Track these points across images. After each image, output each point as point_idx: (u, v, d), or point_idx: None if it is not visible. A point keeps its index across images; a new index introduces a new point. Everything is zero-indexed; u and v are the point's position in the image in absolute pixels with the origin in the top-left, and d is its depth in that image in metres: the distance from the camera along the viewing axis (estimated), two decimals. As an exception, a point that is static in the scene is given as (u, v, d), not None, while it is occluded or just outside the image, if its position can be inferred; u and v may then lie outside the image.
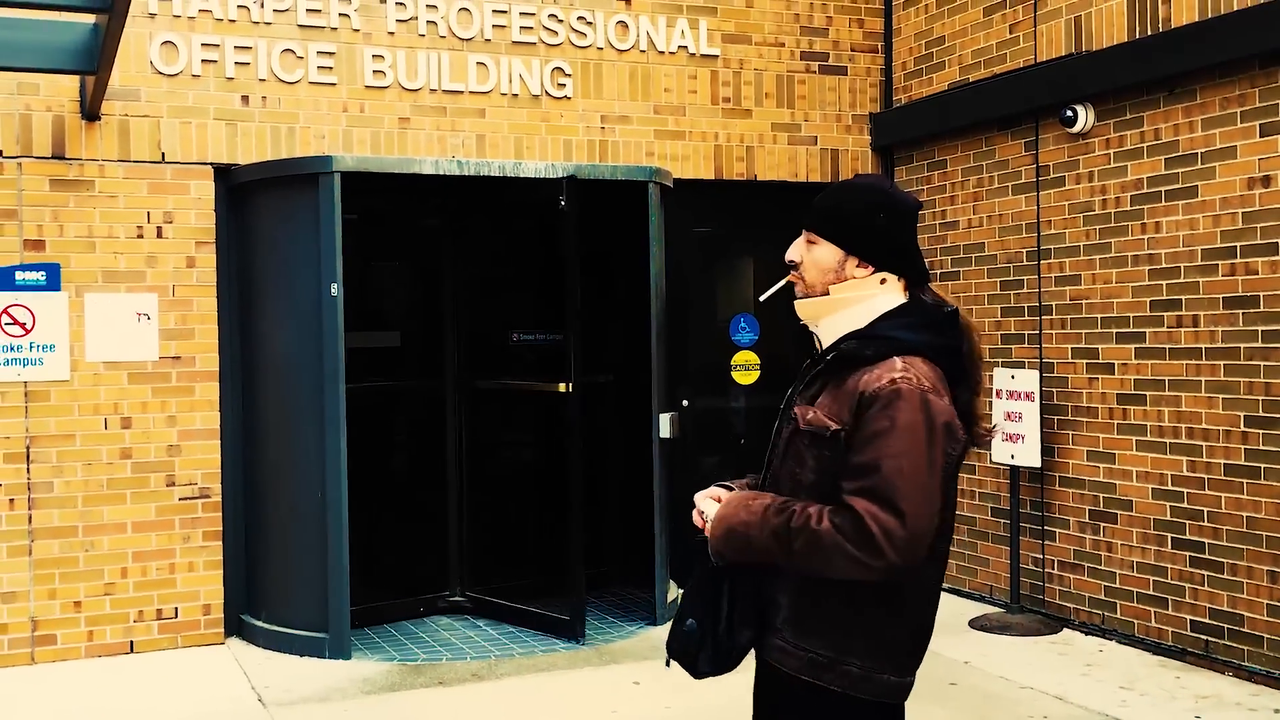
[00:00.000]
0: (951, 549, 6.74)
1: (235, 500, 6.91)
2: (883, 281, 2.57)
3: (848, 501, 2.35)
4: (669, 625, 2.68)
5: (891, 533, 2.31)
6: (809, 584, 2.47)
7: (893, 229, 2.60)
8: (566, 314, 6.73)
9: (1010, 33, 7.34)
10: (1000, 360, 7.34)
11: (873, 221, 2.58)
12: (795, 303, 2.67)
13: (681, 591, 2.72)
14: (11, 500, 6.36)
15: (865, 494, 2.34)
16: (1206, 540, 6.11)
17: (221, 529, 6.80)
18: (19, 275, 6.39)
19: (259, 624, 6.77)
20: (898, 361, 2.44)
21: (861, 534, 2.32)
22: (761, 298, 2.67)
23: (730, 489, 2.67)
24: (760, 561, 2.50)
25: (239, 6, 6.83)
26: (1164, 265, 6.32)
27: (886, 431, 2.36)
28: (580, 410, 6.74)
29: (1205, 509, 6.12)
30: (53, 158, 6.47)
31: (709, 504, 2.63)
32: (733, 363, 8.18)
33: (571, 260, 6.71)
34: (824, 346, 2.60)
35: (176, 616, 6.67)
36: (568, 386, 6.72)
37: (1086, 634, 6.73)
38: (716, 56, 7.92)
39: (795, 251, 2.67)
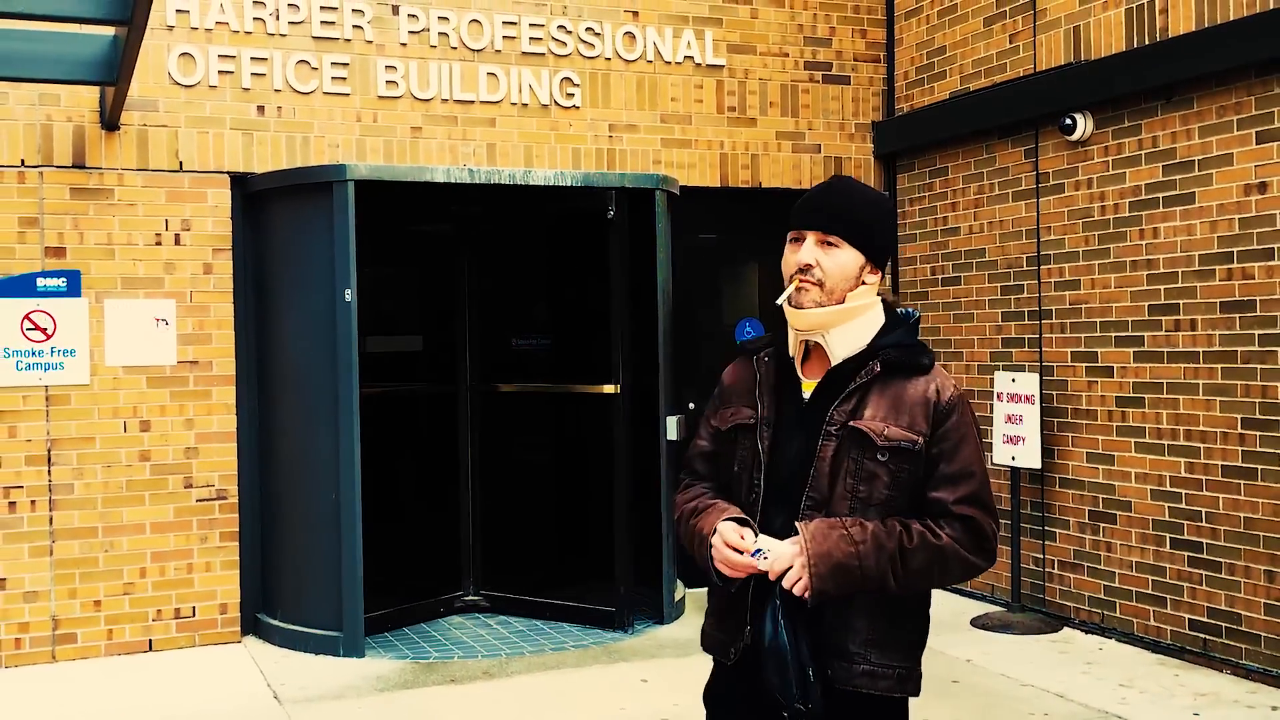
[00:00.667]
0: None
1: (251, 502, 6.92)
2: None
3: (958, 511, 2.41)
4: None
5: (996, 534, 2.49)
6: (887, 603, 2.43)
7: (894, 231, 2.74)
8: (613, 319, 6.87)
9: (1010, 42, 7.34)
10: (1001, 364, 7.34)
11: (888, 227, 2.64)
12: (803, 312, 2.47)
13: (764, 638, 2.49)
14: (33, 502, 6.38)
15: (971, 502, 2.42)
16: (1205, 540, 6.09)
17: (238, 530, 6.81)
18: (40, 282, 6.41)
19: (275, 623, 6.78)
20: (941, 370, 2.51)
21: (978, 540, 2.43)
22: (780, 300, 2.49)
23: (747, 522, 2.45)
24: (859, 590, 2.39)
25: (255, 19, 6.85)
26: (1162, 270, 6.31)
27: (966, 439, 2.44)
28: (629, 410, 6.87)
29: (1203, 509, 6.11)
30: (73, 167, 6.49)
31: (772, 542, 2.39)
32: (738, 366, 8.16)
33: (618, 267, 6.85)
34: (836, 357, 2.48)
35: (194, 615, 6.68)
36: (616, 387, 6.82)
37: (1086, 633, 6.71)
38: (722, 66, 7.92)
39: (810, 254, 2.47)
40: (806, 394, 2.51)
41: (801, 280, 2.46)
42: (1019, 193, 7.27)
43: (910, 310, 2.59)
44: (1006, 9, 7.36)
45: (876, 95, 8.36)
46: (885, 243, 2.60)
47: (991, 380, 7.24)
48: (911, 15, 8.20)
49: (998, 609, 7.22)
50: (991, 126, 7.39)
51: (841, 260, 2.46)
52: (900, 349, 2.47)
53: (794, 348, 2.54)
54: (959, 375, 7.75)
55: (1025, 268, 7.21)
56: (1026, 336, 7.20)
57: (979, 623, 6.95)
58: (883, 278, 2.58)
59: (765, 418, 2.51)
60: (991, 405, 7.17)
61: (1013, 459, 6.97)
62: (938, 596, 7.57)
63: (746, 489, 2.53)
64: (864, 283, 2.49)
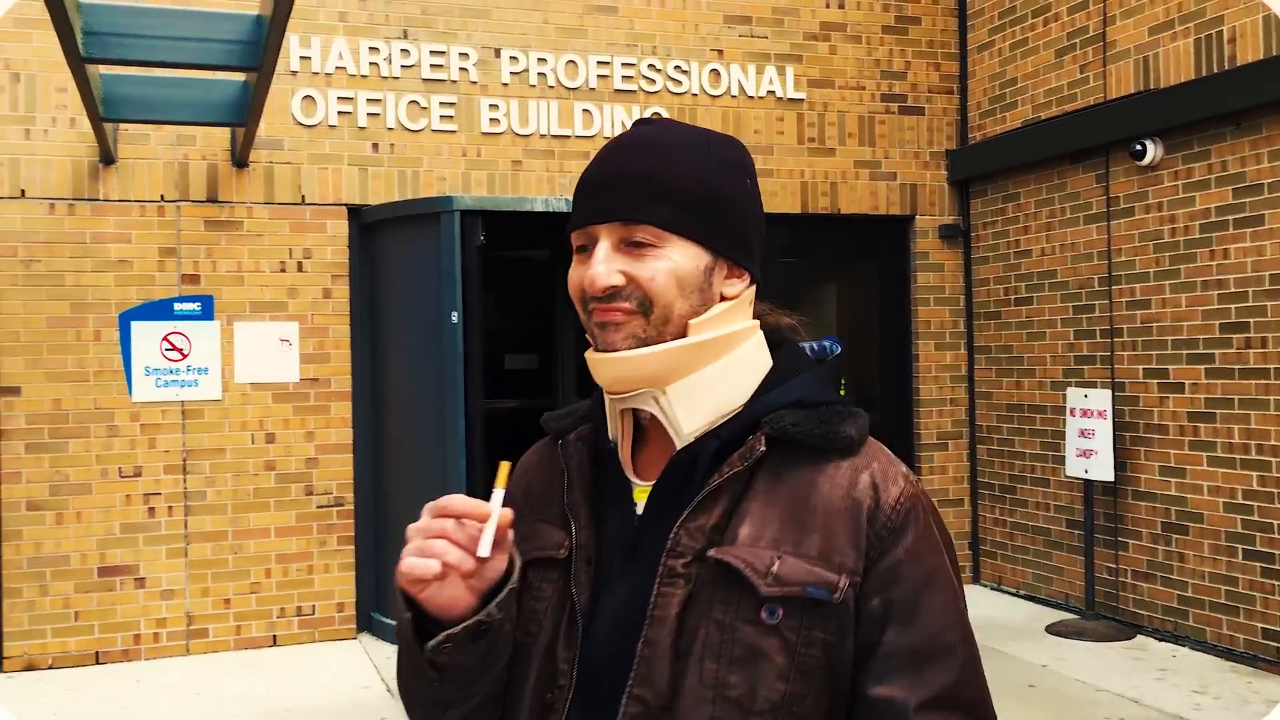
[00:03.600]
0: (1028, 557, 6.63)
1: (366, 508, 7.04)
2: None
3: None
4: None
5: None
6: None
7: (760, 202, 1.38)
8: None
9: (1080, 73, 7.21)
10: (1074, 380, 7.18)
11: (743, 195, 1.34)
12: (616, 356, 1.27)
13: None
14: (170, 507, 6.56)
15: (954, 706, 1.21)
16: (1277, 551, 5.89)
17: (354, 534, 6.93)
18: (177, 306, 6.62)
19: (388, 621, 6.87)
20: (881, 448, 1.31)
21: None
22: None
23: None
24: None
25: (370, 64, 7.01)
26: (1232, 290, 6.14)
27: (935, 579, 1.24)
28: None
29: (1275, 522, 5.91)
30: (207, 201, 6.70)
31: None
32: (818, 383, 8.11)
33: None
34: (683, 433, 1.28)
35: (314, 613, 6.81)
36: None
37: (1160, 640, 6.53)
38: (802, 100, 7.90)
39: (609, 268, 1.26)
40: (640, 504, 1.31)
41: (603, 312, 1.27)
42: (1090, 216, 7.13)
43: (829, 342, 1.40)
44: (1077, 41, 7.24)
45: (950, 125, 8.27)
46: (746, 220, 1.33)
47: (1064, 396, 7.10)
48: (984, 49, 8.10)
49: (1072, 616, 7.05)
50: (1063, 153, 7.26)
51: (672, 264, 1.27)
52: (803, 411, 1.27)
53: (614, 425, 1.35)
54: (1031, 392, 7.59)
55: (1096, 288, 7.06)
56: (1099, 354, 7.04)
57: (1054, 629, 6.80)
58: (755, 285, 1.36)
59: (583, 545, 1.31)
60: (1064, 420, 7.02)
61: (1086, 471, 6.82)
62: (1009, 602, 7.44)
63: (541, 677, 1.29)
64: (722, 296, 1.31)
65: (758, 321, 1.35)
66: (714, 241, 1.29)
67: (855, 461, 1.26)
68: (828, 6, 7.95)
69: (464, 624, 1.22)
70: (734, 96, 7.74)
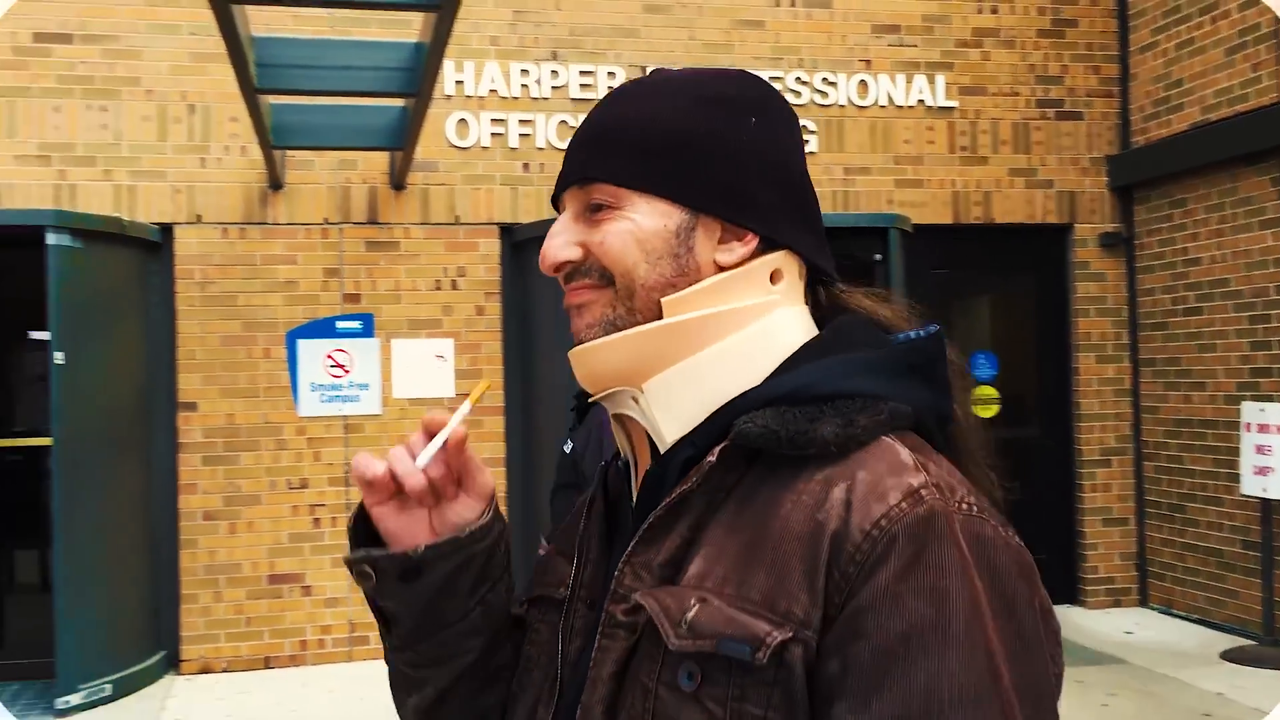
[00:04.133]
0: (1200, 580, 6.39)
1: (518, 521, 7.16)
2: (774, 275, 1.06)
3: None
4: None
5: None
6: None
7: (782, 146, 1.09)
8: None
9: (1253, 71, 6.88)
10: (1249, 394, 6.84)
11: (737, 136, 1.05)
12: (582, 349, 1.10)
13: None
14: (334, 518, 6.82)
15: None
16: None
17: (506, 546, 7.06)
18: (340, 324, 6.89)
19: (539, 632, 6.98)
20: (899, 449, 0.94)
21: None
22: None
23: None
24: None
25: (521, 85, 7.18)
26: None
27: (922, 635, 0.85)
28: None
29: None
30: (367, 223, 6.96)
31: None
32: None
33: None
34: (665, 439, 1.04)
35: (468, 623, 6.96)
36: None
37: (1348, 671, 6.14)
38: (954, 108, 7.75)
39: (564, 242, 1.08)
40: None
41: (569, 294, 1.10)
42: (1265, 221, 6.78)
43: (918, 331, 1.04)
44: (1249, 39, 6.91)
45: (1110, 129, 7.99)
46: (749, 169, 1.05)
47: (1239, 410, 6.76)
48: (1146, 50, 7.80)
49: (1249, 643, 6.69)
50: (1236, 156, 6.93)
51: (630, 224, 1.04)
52: (795, 408, 0.96)
53: (620, 438, 1.14)
54: (1202, 406, 7.24)
55: (1273, 296, 6.70)
56: (1276, 366, 6.69)
57: (1229, 656, 6.47)
58: (782, 250, 1.06)
59: (587, 584, 1.09)
60: (1239, 435, 6.69)
61: (1264, 490, 6.47)
62: (1180, 627, 7.11)
63: None
64: (715, 265, 1.04)
65: (770, 291, 1.04)
66: (689, 195, 1.03)
67: (832, 471, 0.92)
68: (980, 12, 7.78)
69: (387, 550, 1.10)
70: (882, 107, 7.65)
